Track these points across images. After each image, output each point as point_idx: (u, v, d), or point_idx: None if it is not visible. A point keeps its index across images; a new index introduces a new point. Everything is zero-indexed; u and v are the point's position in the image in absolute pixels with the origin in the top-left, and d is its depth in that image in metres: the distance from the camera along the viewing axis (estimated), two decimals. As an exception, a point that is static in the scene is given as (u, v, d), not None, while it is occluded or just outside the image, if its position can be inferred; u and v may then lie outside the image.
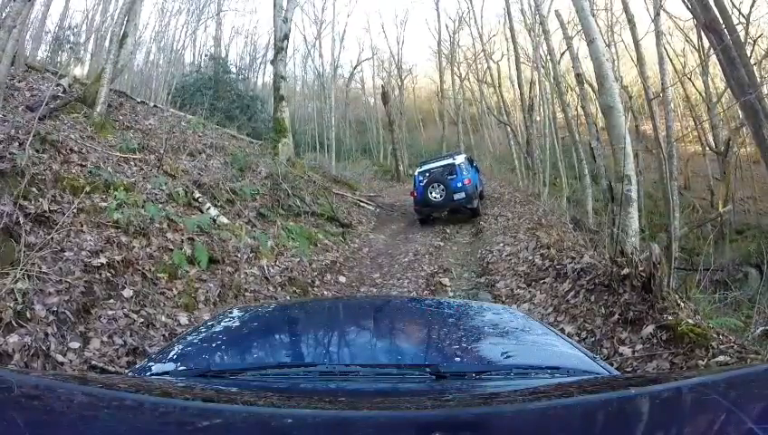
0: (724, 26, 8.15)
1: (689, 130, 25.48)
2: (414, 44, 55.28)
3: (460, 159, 12.61)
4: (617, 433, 0.77)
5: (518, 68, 16.87)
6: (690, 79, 26.34)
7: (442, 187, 11.67)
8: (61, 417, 0.83)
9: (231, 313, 2.12)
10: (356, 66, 41.82)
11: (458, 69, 33.51)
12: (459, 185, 11.69)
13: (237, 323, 1.95)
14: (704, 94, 25.37)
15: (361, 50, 52.35)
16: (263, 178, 10.46)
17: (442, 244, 9.84)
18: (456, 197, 11.61)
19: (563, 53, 17.40)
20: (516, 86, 20.07)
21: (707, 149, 29.40)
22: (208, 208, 7.88)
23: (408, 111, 41.30)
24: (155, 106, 13.62)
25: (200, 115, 14.20)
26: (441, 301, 2.94)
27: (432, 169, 12.49)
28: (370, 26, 65.12)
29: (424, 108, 48.51)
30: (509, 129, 21.51)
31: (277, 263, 7.28)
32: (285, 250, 7.90)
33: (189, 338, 1.77)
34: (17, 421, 0.74)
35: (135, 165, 8.36)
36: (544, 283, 6.34)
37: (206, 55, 32.19)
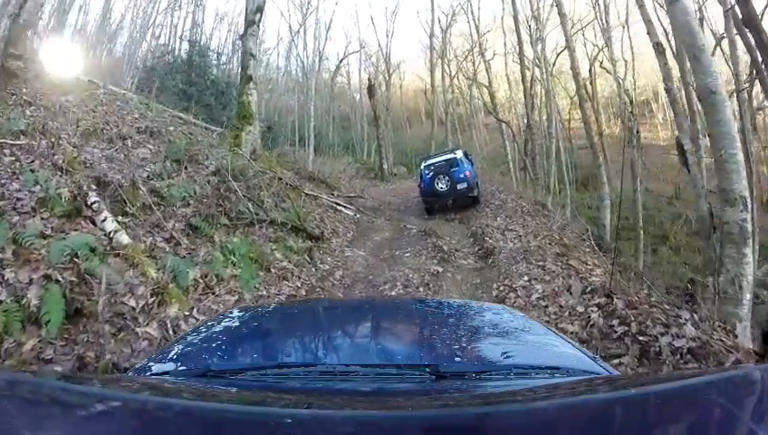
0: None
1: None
2: (403, 41, 52.82)
3: (460, 154, 13.22)
4: (617, 433, 0.75)
5: (521, 59, 14.32)
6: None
7: (447, 178, 12.19)
8: (60, 417, 0.79)
9: (231, 313, 2.02)
10: (342, 59, 39.06)
11: (448, 67, 31.03)
12: (462, 176, 12.26)
13: (237, 323, 1.87)
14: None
15: (348, 42, 49.21)
16: (207, 175, 7.74)
17: (440, 269, 7.19)
18: (459, 187, 12.16)
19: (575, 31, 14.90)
20: (516, 81, 17.58)
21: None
22: (104, 220, 5.15)
23: (394, 109, 39.00)
24: (89, 81, 10.72)
25: (153, 99, 11.43)
26: (441, 301, 2.92)
27: (436, 162, 12.95)
28: (359, 18, 61.52)
29: (410, 106, 46.60)
30: (505, 127, 19.00)
31: (197, 310, 4.60)
32: (219, 284, 5.23)
33: (189, 338, 1.68)
34: (17, 421, 0.72)
35: (10, 154, 5.61)
36: (621, 362, 3.78)
37: (180, 37, 28.90)
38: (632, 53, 18.30)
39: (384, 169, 23.21)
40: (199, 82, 23.23)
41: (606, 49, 21.93)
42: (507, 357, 1.47)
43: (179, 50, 27.87)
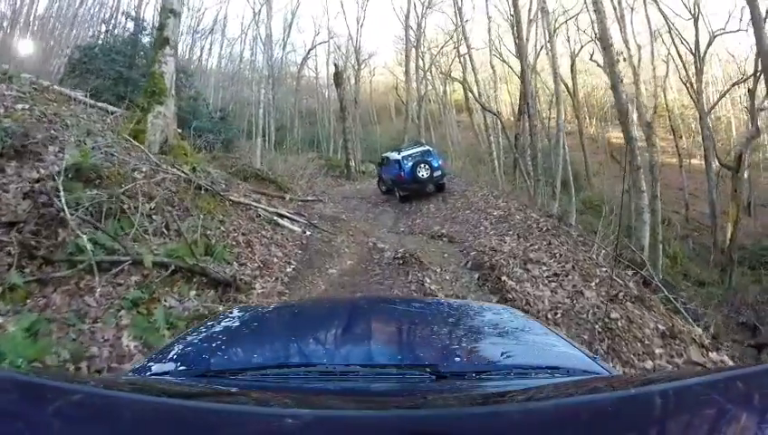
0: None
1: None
2: (374, 34, 49.34)
3: (429, 147, 14.14)
4: (617, 433, 0.70)
5: (519, 32, 11.03)
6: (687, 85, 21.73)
7: (427, 166, 12.82)
8: (59, 417, 0.72)
9: (231, 313, 1.90)
10: (310, 49, 35.13)
11: (422, 59, 27.62)
12: (436, 165, 13.10)
13: (237, 323, 1.77)
14: (697, 103, 20.91)
15: (317, 32, 44.77)
16: (33, 181, 4.24)
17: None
18: (435, 174, 12.94)
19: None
20: (501, 75, 14.35)
21: (697, 161, 25.14)
22: None
23: (363, 104, 35.89)
24: None
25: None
26: (441, 301, 2.88)
27: (413, 153, 13.35)
28: (328, 5, 56.30)
29: (380, 102, 43.87)
30: (491, 122, 15.77)
31: None
32: None
33: (189, 338, 1.58)
34: (16, 422, 0.68)
35: None
36: None
37: (123, 13, 24.48)
38: (652, 33, 15.19)
39: (351, 167, 19.84)
40: (143, 65, 19.37)
41: (597, 39, 19.08)
42: (507, 357, 1.38)
43: (124, 28, 23.75)
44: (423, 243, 7.74)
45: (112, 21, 25.95)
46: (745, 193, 23.36)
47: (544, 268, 5.35)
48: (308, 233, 7.36)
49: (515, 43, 11.88)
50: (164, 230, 5.12)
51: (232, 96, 33.38)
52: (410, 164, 12.89)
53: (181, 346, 1.48)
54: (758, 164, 26.76)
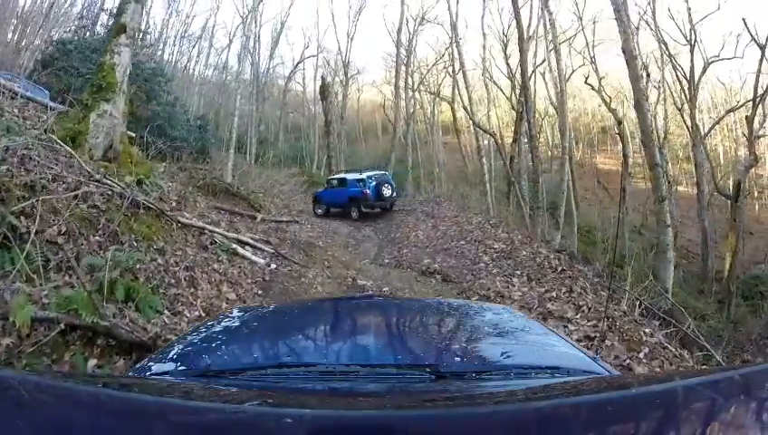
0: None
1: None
2: (364, 51, 48.48)
3: (385, 172, 16.58)
4: (617, 433, 0.71)
5: (521, 47, 9.99)
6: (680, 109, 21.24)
7: (389, 186, 14.55)
8: (59, 417, 0.72)
9: (231, 313, 1.88)
10: (298, 62, 34.09)
11: (411, 78, 26.56)
12: (395, 186, 15.17)
13: (237, 323, 1.72)
14: (690, 129, 20.31)
15: (306, 45, 43.75)
16: None
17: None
18: (394, 194, 14.87)
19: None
20: (494, 97, 13.36)
21: (705, 190, 24.54)
22: None
23: (349, 121, 34.92)
24: None
25: None
26: (441, 301, 2.79)
27: (375, 175, 14.98)
28: (319, 18, 55.41)
29: (367, 121, 43.16)
30: (485, 143, 14.75)
31: None
32: None
33: (189, 338, 1.55)
34: (16, 422, 0.67)
35: None
36: None
37: (104, 9, 23.06)
38: (663, 55, 14.33)
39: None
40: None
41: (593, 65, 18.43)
42: (507, 357, 1.36)
43: (105, 26, 22.34)
44: (412, 280, 6.48)
45: (98, 18, 24.58)
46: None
47: (572, 328, 4.13)
48: (273, 266, 6.02)
49: (506, 63, 10.98)
50: (73, 264, 3.75)
51: (215, 106, 32.17)
52: (374, 184, 14.29)
53: (181, 346, 1.43)
54: (744, 191, 26.39)
